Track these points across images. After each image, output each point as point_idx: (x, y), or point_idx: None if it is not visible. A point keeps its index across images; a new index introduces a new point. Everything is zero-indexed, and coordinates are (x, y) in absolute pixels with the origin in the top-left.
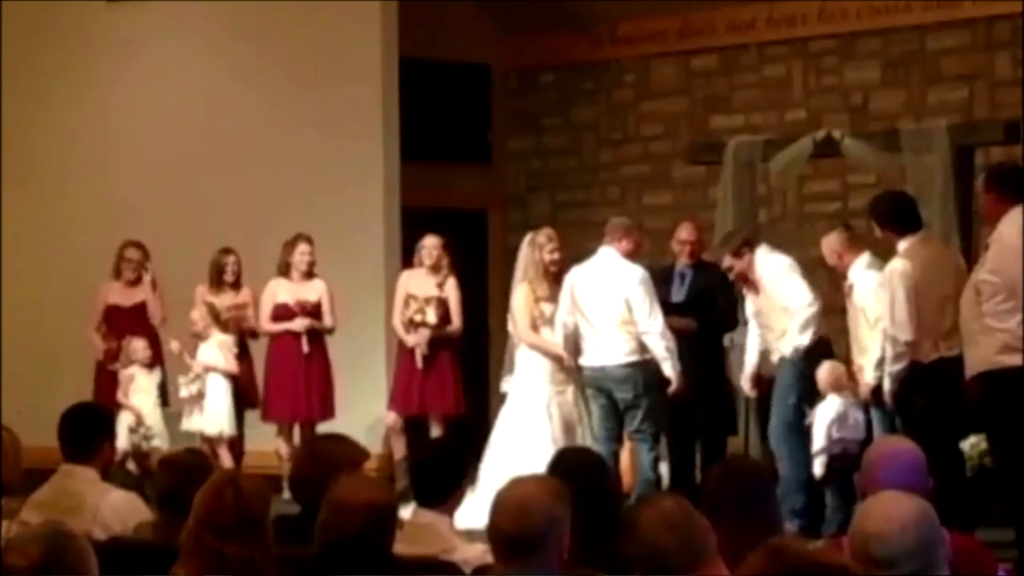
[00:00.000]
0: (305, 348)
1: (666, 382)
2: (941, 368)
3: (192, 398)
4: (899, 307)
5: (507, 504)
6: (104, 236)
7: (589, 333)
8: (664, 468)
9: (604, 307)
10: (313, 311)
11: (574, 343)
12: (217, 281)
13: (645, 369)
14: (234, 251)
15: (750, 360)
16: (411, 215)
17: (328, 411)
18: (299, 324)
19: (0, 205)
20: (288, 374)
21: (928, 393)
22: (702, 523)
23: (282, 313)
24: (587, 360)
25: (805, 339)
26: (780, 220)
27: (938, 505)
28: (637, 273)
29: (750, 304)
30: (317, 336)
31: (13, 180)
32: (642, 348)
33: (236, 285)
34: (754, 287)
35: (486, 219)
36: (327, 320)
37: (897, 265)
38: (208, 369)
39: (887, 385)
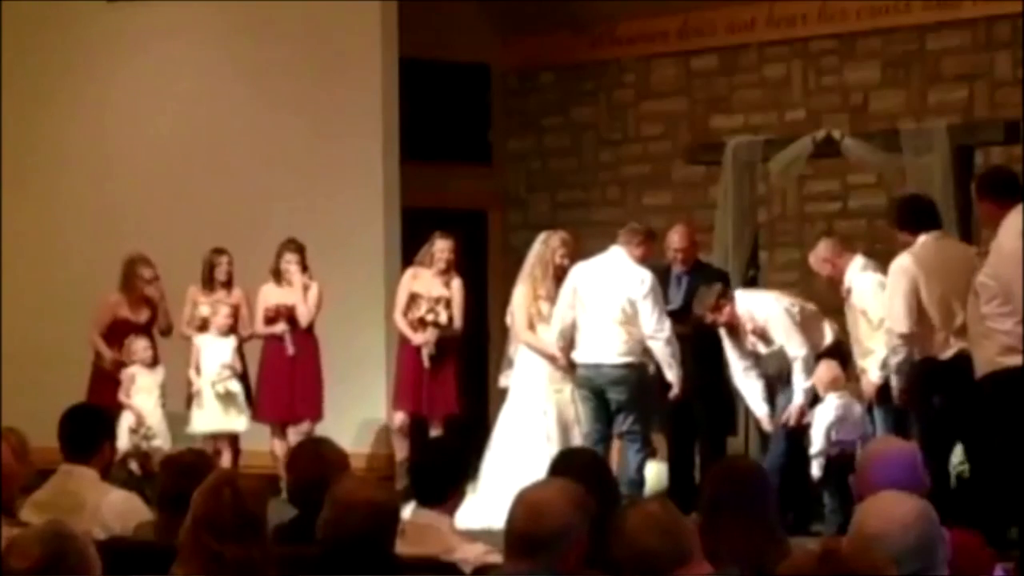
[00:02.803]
0: (290, 350)
1: (660, 386)
2: (959, 363)
3: (227, 396)
4: (895, 300)
5: (525, 503)
6: (104, 236)
7: (587, 329)
8: (650, 468)
9: (606, 306)
10: (289, 314)
11: (569, 338)
12: (209, 281)
13: (639, 371)
14: (227, 251)
15: (756, 405)
16: (411, 215)
17: (315, 412)
18: (279, 328)
19: (0, 205)
20: (275, 377)
21: (947, 388)
22: (686, 525)
23: (270, 316)
24: (581, 356)
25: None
26: (780, 220)
27: (954, 503)
28: (648, 278)
29: (732, 352)
30: (305, 338)
31: (13, 180)
32: (638, 350)
33: (228, 285)
34: (741, 332)
35: (486, 219)
36: (300, 315)
37: (902, 261)
38: (232, 369)
39: (893, 381)
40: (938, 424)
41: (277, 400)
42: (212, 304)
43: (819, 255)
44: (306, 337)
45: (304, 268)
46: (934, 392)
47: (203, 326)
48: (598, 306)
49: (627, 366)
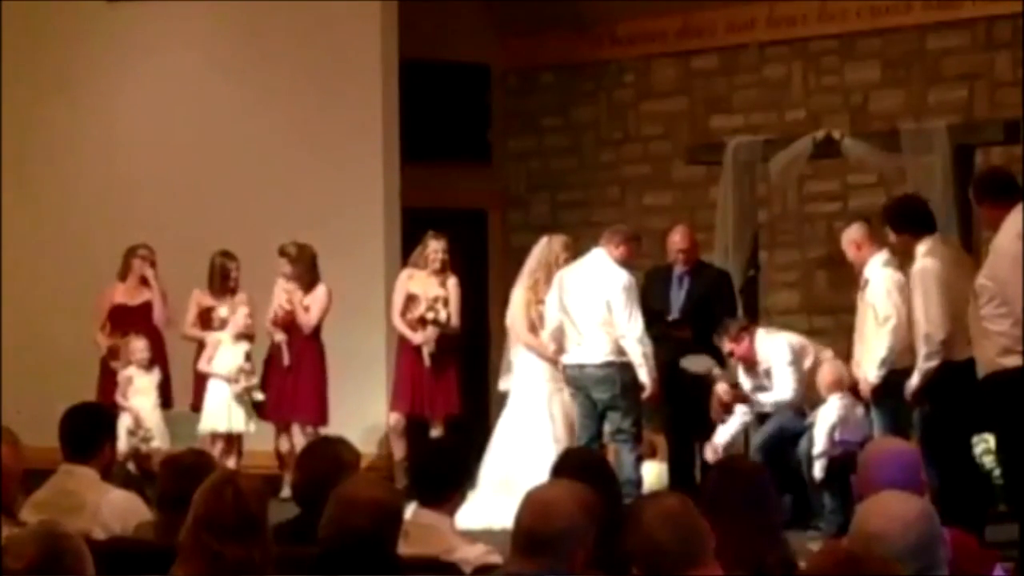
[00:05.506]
0: (285, 360)
1: (660, 387)
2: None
3: (248, 399)
4: (932, 307)
5: (533, 501)
6: (104, 236)
7: (572, 332)
8: (650, 468)
9: (587, 307)
10: (285, 322)
11: (560, 341)
12: (220, 285)
13: (624, 370)
14: (235, 256)
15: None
16: (411, 215)
17: (315, 417)
18: (278, 337)
19: (0, 205)
20: (278, 380)
21: (963, 391)
22: (703, 524)
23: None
24: (568, 358)
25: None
26: (780, 220)
27: (956, 502)
28: (622, 278)
29: (745, 379)
30: (307, 343)
31: (13, 181)
32: (621, 349)
33: (235, 290)
34: (755, 368)
35: (486, 219)
36: (302, 323)
37: (926, 264)
38: (252, 374)
39: (915, 381)
40: (947, 426)
41: (279, 401)
42: (231, 305)
43: (849, 236)
44: (308, 342)
45: (301, 275)
46: (952, 394)
47: (221, 326)
48: (580, 307)
49: (610, 365)
